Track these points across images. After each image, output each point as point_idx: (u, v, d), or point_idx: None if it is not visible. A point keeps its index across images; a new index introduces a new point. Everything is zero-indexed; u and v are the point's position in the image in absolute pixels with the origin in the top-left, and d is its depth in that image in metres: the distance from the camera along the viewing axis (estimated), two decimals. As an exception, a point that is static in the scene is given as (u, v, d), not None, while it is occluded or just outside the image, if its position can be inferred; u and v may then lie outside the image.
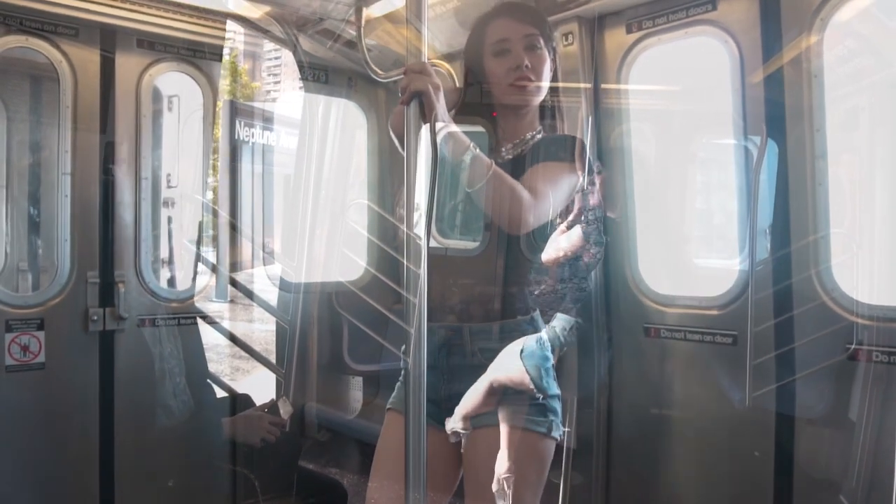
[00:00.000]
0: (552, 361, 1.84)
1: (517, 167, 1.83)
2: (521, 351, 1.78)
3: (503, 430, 1.74)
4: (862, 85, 2.45)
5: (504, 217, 1.71)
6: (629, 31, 2.83)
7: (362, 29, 2.62)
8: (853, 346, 2.23)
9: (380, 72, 2.56)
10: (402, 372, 1.91)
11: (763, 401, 2.41)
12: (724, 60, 2.61)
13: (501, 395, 1.77)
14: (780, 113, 2.43)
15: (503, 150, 1.89)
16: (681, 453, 2.79)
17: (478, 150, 1.66)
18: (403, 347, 1.96)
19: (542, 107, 1.95)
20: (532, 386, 1.76)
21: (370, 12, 2.70)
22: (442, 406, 1.83)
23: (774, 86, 2.45)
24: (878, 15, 2.39)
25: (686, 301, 2.79)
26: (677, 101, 2.96)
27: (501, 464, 1.72)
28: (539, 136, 1.91)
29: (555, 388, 1.83)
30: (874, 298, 2.26)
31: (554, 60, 1.93)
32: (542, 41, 1.86)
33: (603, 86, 2.93)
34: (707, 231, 3.31)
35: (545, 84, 1.88)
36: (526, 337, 1.81)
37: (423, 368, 1.56)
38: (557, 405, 1.83)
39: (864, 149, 2.47)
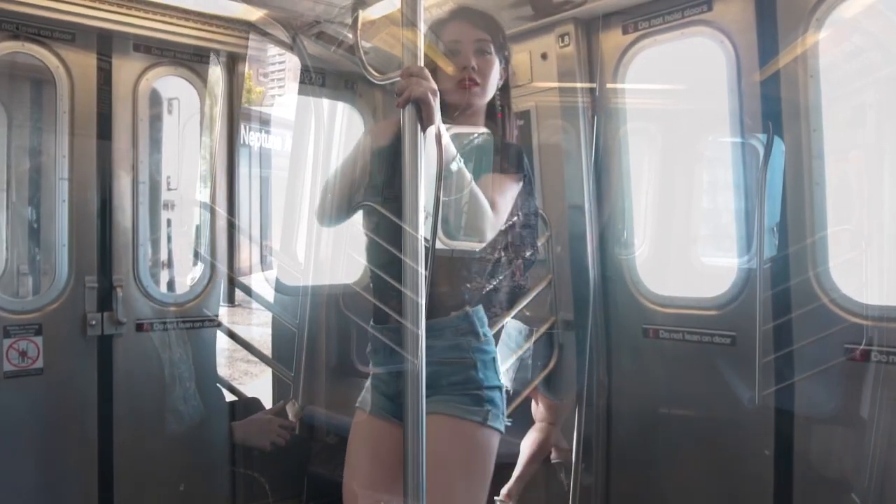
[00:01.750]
0: (494, 355, 1.90)
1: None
2: (460, 344, 1.85)
3: (440, 418, 1.78)
4: (868, 81, 2.46)
5: (469, 229, 1.76)
6: (625, 32, 2.83)
7: (359, 31, 2.62)
8: (861, 346, 2.23)
9: (376, 74, 2.56)
10: (371, 375, 2.00)
11: (772, 400, 2.42)
12: (720, 61, 2.61)
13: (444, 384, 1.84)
14: (776, 113, 2.44)
15: None
16: (681, 454, 2.79)
17: (462, 163, 1.68)
18: (368, 349, 2.00)
19: (491, 112, 1.99)
20: (466, 376, 1.83)
21: (368, 14, 2.70)
22: (396, 401, 1.88)
23: (771, 86, 2.46)
24: (885, 11, 2.39)
25: (684, 302, 2.79)
26: (674, 102, 2.96)
27: (441, 452, 1.76)
28: (479, 139, 1.94)
29: (495, 380, 1.88)
30: (882, 299, 2.26)
31: (506, 69, 1.99)
32: (492, 47, 1.92)
33: (603, 85, 2.94)
34: (708, 230, 3.31)
35: (491, 87, 1.92)
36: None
37: (423, 367, 1.56)
38: (497, 396, 1.87)
39: (871, 145, 2.47)
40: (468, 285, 1.89)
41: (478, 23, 1.93)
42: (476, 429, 1.80)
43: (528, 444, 3.09)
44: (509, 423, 1.90)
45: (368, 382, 2.02)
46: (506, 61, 1.98)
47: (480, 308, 1.91)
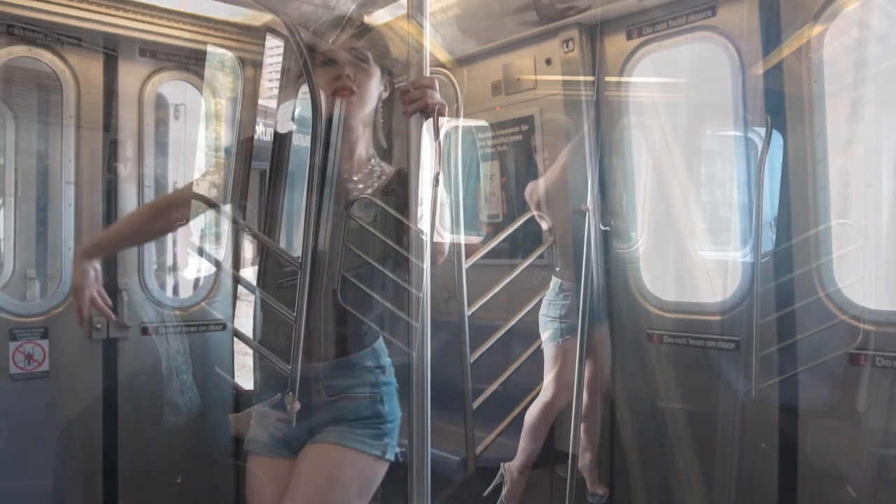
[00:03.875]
0: (395, 384, 1.89)
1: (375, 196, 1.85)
2: (368, 380, 1.83)
3: (336, 448, 1.77)
4: (868, 74, 2.45)
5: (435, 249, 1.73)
6: (629, 38, 2.84)
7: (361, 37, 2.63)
8: (855, 346, 2.24)
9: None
10: (259, 415, 1.93)
11: (769, 394, 2.42)
12: (724, 64, 2.62)
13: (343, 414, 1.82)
14: (780, 116, 2.45)
15: (352, 177, 1.88)
16: (683, 458, 2.79)
17: (441, 178, 1.68)
18: (257, 383, 1.97)
19: (375, 130, 1.94)
20: (373, 411, 1.81)
21: (372, 21, 2.71)
22: (291, 443, 1.85)
23: (775, 91, 2.46)
24: (885, 5, 2.39)
25: (688, 307, 2.80)
26: (678, 109, 2.97)
27: (327, 481, 1.75)
28: (381, 167, 1.91)
29: (396, 412, 1.87)
30: (879, 303, 2.27)
31: (391, 82, 1.93)
32: (370, 57, 1.86)
33: (607, 90, 2.95)
34: (713, 239, 3.31)
35: (369, 98, 1.86)
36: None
37: (426, 365, 1.56)
38: (396, 427, 1.86)
39: (870, 139, 2.47)
40: (374, 317, 1.85)
41: (356, 33, 1.90)
42: (373, 462, 1.80)
43: (529, 418, 3.05)
44: (399, 451, 1.87)
45: (253, 422, 1.97)
46: (390, 74, 1.92)
47: (381, 339, 1.89)
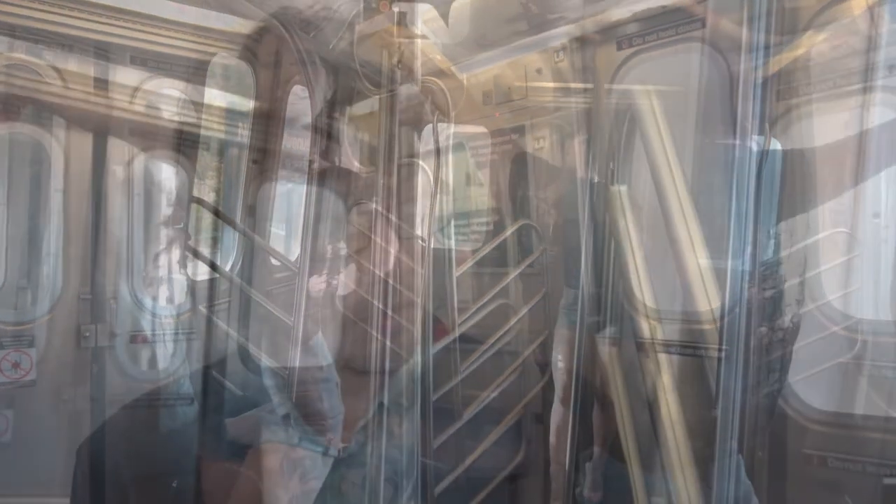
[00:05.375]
0: (336, 380, 1.88)
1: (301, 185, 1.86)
2: (303, 377, 1.83)
3: (274, 446, 1.82)
4: (859, 81, 2.47)
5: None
6: (620, 48, 2.86)
7: (355, 45, 2.64)
8: (850, 356, 2.25)
9: (373, 88, 2.59)
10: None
11: (764, 402, 2.43)
12: (713, 76, 2.64)
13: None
14: (771, 126, 2.47)
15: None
16: (677, 469, 2.79)
17: (434, 187, 1.70)
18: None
19: (316, 126, 1.94)
20: (313, 409, 1.83)
21: (364, 30, 2.72)
22: (238, 444, 1.92)
23: (765, 101, 2.48)
24: (875, 14, 2.41)
25: (679, 316, 2.80)
26: (668, 117, 2.99)
27: (283, 480, 1.78)
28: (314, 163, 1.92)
29: (337, 409, 1.88)
30: (875, 312, 2.28)
31: (335, 79, 1.93)
32: (317, 58, 1.87)
33: (598, 100, 2.96)
34: (706, 240, 3.32)
35: (318, 99, 1.88)
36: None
37: (426, 365, 1.57)
38: (339, 422, 1.87)
39: (861, 146, 2.49)
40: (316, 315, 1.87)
41: (297, 31, 1.91)
42: (312, 457, 1.81)
43: (553, 418, 3.05)
44: (343, 446, 1.87)
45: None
46: (335, 71, 1.93)
47: (320, 335, 1.90)
